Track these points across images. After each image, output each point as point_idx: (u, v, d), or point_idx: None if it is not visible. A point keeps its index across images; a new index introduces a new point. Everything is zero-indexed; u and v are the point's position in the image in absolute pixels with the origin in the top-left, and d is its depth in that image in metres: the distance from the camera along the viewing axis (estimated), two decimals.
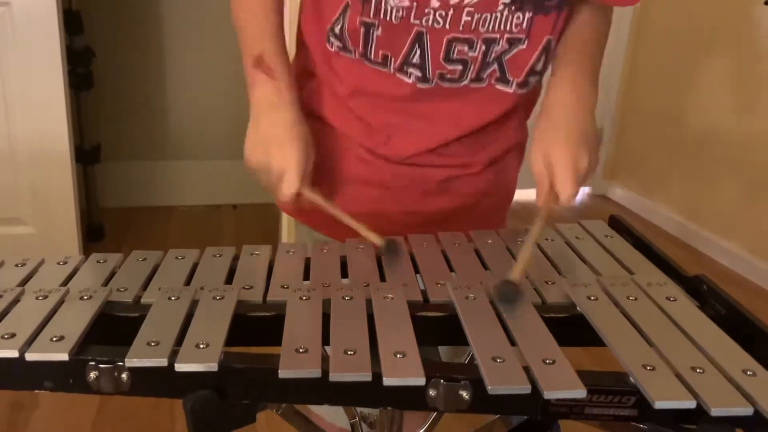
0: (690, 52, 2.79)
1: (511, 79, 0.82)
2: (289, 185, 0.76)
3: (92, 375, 0.53)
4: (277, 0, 0.83)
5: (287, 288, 0.65)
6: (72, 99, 2.18)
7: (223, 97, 2.77)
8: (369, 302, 0.61)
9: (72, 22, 2.23)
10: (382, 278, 0.70)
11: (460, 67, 0.80)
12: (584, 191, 3.35)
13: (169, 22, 2.71)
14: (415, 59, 0.79)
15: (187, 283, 0.67)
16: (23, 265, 0.70)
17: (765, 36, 2.44)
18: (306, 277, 0.70)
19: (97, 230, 2.54)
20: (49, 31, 1.94)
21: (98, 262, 0.72)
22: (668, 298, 0.65)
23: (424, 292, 0.66)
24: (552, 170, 0.74)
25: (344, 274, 0.71)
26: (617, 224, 0.86)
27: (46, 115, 2.00)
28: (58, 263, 0.71)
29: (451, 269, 0.73)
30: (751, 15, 2.48)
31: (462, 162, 0.88)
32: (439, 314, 0.63)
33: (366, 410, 0.87)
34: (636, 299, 0.64)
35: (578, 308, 0.63)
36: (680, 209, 2.88)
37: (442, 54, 0.78)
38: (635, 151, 3.18)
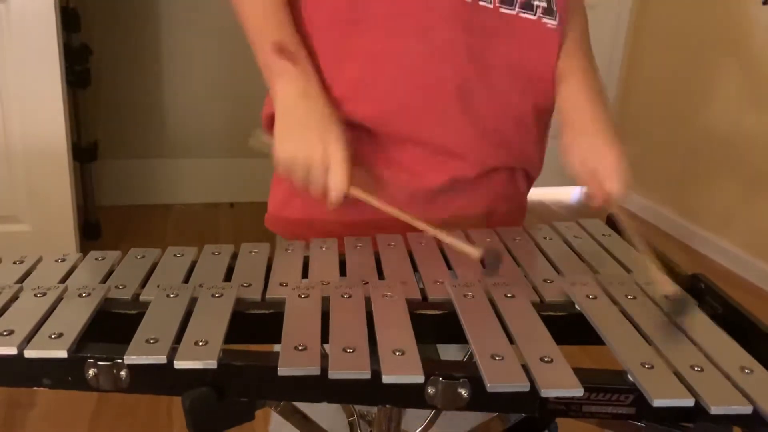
0: (688, 52, 2.80)
1: (555, 9, 0.79)
2: (339, 182, 0.69)
3: (91, 372, 0.53)
4: None
5: (286, 286, 0.65)
6: (69, 97, 2.17)
7: (220, 95, 2.77)
8: (368, 300, 0.61)
9: (69, 19, 2.22)
10: (381, 276, 0.70)
11: None
12: (583, 190, 3.34)
13: (166, 20, 2.70)
14: None
15: (186, 280, 0.67)
16: (21, 262, 0.70)
17: (763, 36, 2.44)
18: (305, 275, 0.70)
19: (94, 228, 2.54)
20: (46, 29, 1.93)
21: (96, 259, 0.72)
22: (666, 297, 0.65)
23: (422, 290, 0.66)
24: (597, 174, 0.77)
25: (343, 272, 0.71)
26: (615, 223, 0.86)
27: (43, 112, 2.00)
28: (56, 261, 0.71)
29: (450, 267, 0.73)
30: (749, 15, 2.49)
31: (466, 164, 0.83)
32: (437, 312, 0.63)
33: (364, 408, 0.87)
34: (635, 298, 0.65)
35: (577, 307, 0.63)
36: (678, 208, 2.88)
37: None
38: (633, 150, 3.18)
